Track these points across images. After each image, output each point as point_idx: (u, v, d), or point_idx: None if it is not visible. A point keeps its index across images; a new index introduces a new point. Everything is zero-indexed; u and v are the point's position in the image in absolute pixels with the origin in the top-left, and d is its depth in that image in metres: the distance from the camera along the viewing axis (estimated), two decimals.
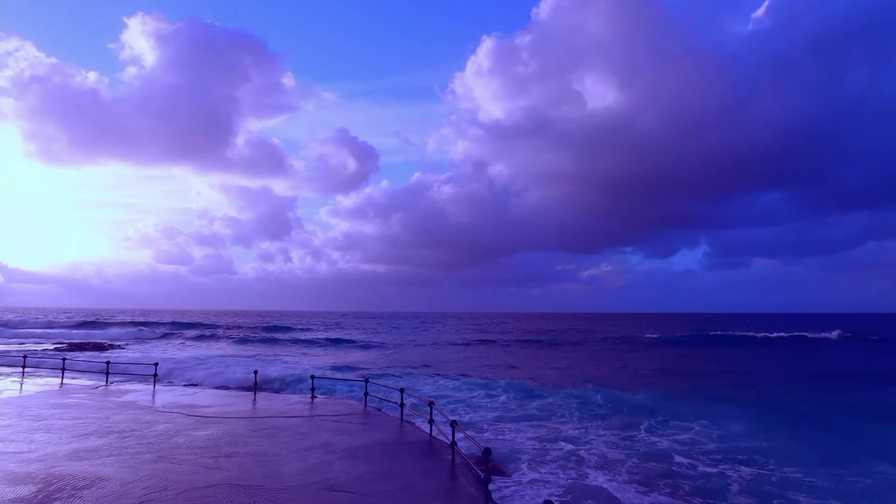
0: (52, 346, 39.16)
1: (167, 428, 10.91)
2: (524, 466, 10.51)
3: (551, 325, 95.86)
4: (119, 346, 42.29)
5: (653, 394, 19.51)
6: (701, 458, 11.44)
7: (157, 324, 72.70)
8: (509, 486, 9.27)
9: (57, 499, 6.56)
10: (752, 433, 13.45)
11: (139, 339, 51.72)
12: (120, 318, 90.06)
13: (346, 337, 55.88)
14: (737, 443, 12.62)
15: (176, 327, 67.21)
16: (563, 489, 9.27)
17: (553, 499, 7.95)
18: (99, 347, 39.93)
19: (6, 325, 62.01)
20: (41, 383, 17.70)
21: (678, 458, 11.37)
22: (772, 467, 10.80)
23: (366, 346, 45.88)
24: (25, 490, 6.85)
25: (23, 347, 37.73)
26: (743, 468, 10.71)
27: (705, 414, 15.33)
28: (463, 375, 24.89)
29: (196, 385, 21.68)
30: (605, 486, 9.51)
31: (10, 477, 7.40)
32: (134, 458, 8.58)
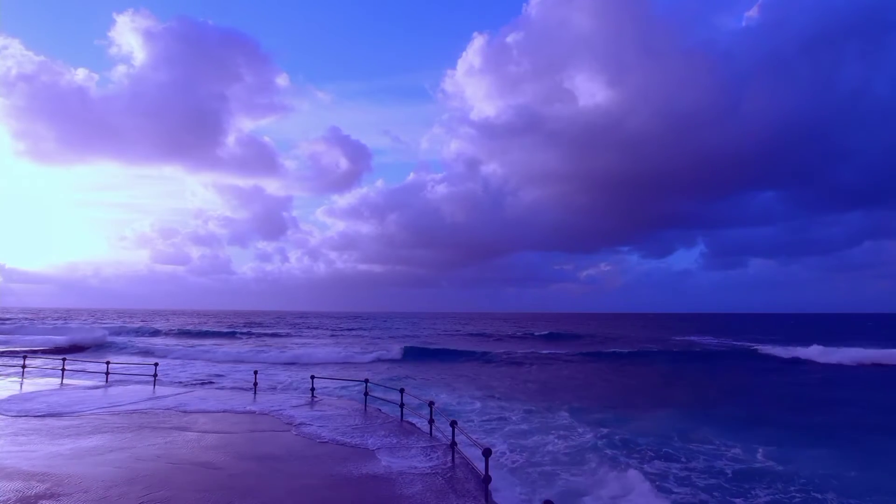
0: (53, 347, 39.22)
1: (167, 427, 10.91)
2: None
3: (559, 326, 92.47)
4: (117, 347, 42.29)
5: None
6: None
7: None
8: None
9: (57, 498, 6.56)
10: None
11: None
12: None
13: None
14: None
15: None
16: None
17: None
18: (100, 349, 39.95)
19: None
20: (41, 383, 17.69)
21: None
22: None
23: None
24: (25, 490, 6.84)
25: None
26: None
27: None
28: None
29: (196, 384, 21.68)
30: None
31: (10, 477, 7.39)
32: (133, 458, 8.57)
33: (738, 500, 9.81)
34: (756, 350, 42.67)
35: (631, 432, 14.25)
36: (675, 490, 10.19)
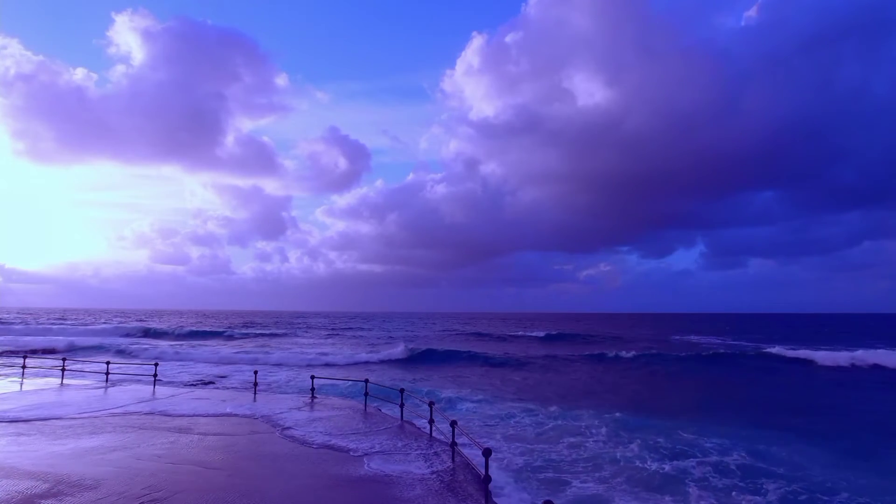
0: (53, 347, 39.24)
1: (167, 428, 10.92)
2: None
3: (559, 327, 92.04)
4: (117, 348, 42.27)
5: None
6: None
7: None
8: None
9: (58, 497, 6.57)
10: None
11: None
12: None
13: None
14: None
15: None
16: None
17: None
18: (98, 350, 39.97)
19: None
20: (41, 383, 17.70)
21: None
22: None
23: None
24: (26, 490, 6.86)
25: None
26: None
27: None
28: None
29: (195, 385, 21.70)
30: None
31: (11, 477, 7.41)
32: (133, 458, 8.59)
33: (753, 498, 9.83)
34: (763, 351, 40.47)
35: (640, 435, 14.04)
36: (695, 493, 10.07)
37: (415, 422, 12.02)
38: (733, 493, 10.03)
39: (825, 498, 9.97)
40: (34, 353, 33.88)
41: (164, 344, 46.68)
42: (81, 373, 21.12)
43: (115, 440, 9.76)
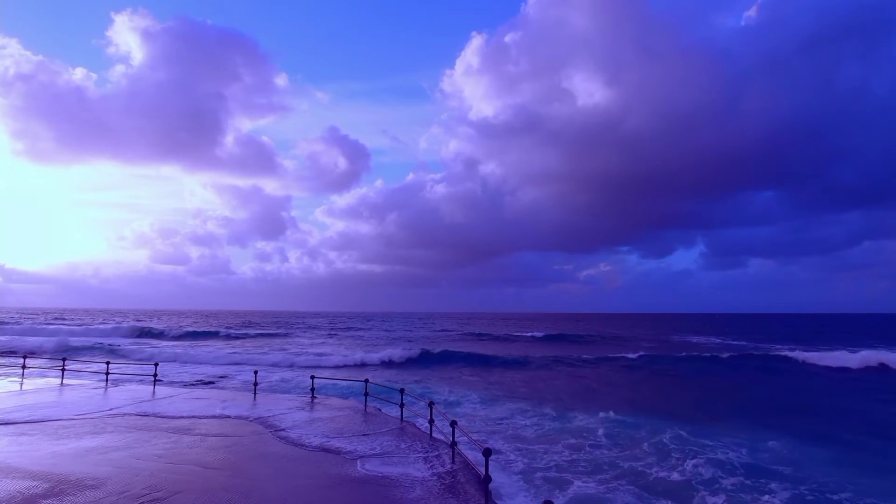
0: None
1: (167, 428, 10.91)
2: None
3: (560, 327, 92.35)
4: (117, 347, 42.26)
5: None
6: None
7: None
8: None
9: (59, 497, 6.56)
10: None
11: None
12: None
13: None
14: None
15: None
16: None
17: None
18: (97, 350, 39.94)
19: None
20: (41, 383, 17.69)
21: None
22: None
23: None
24: (27, 490, 6.85)
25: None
26: None
27: None
28: None
29: (195, 385, 21.69)
30: None
31: (12, 477, 7.40)
32: (134, 458, 8.58)
33: (760, 497, 9.83)
34: (764, 352, 39.86)
35: (642, 435, 13.96)
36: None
37: (415, 422, 12.01)
38: (740, 494, 10.01)
39: (833, 497, 9.95)
40: (32, 354, 33.85)
41: (163, 344, 46.66)
42: (81, 373, 21.11)
43: (116, 440, 9.76)
